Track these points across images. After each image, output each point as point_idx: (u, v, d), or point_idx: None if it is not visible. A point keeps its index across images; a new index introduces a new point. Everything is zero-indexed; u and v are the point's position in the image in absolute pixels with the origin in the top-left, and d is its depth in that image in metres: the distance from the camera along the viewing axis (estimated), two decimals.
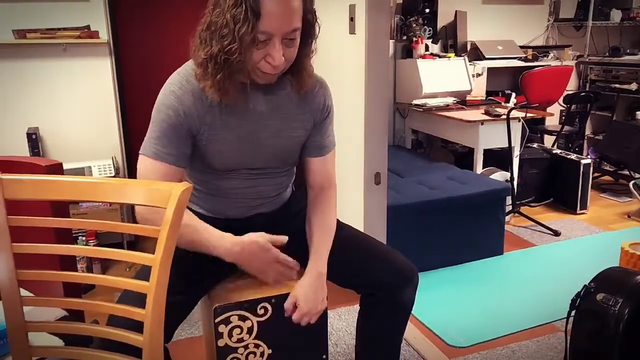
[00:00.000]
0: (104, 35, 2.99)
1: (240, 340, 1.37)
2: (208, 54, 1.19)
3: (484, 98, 4.10)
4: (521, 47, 4.53)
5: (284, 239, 1.33)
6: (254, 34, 1.14)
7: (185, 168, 1.32)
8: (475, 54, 4.29)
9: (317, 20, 1.27)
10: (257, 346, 1.39)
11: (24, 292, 1.09)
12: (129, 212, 3.10)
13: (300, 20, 1.21)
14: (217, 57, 1.17)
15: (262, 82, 1.28)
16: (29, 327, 1.08)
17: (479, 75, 4.17)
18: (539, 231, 3.45)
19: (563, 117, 4.38)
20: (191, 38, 1.26)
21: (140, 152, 1.29)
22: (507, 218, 3.38)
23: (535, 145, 4.15)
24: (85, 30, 2.93)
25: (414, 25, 4.02)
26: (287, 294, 1.38)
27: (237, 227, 1.44)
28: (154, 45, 3.32)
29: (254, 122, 1.33)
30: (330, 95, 1.46)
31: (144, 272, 1.15)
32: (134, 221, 1.25)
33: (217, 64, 1.18)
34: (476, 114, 3.53)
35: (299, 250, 1.48)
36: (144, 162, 1.28)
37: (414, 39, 4.01)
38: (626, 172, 4.29)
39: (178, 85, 1.26)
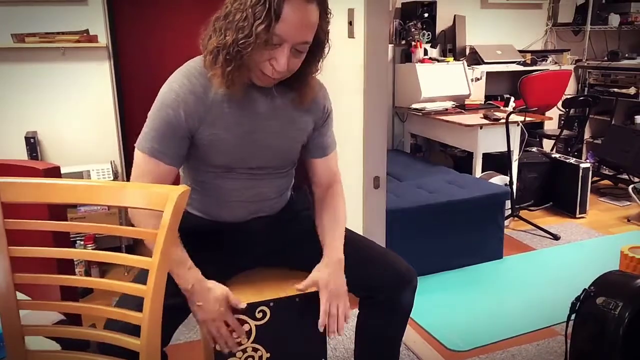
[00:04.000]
0: (103, 39, 2.99)
1: (238, 344, 1.36)
2: (221, 43, 1.19)
3: (482, 102, 4.11)
4: (520, 51, 4.54)
5: (241, 305, 1.29)
6: (269, 35, 1.15)
7: (178, 168, 1.32)
8: (474, 59, 4.30)
9: (329, 41, 1.29)
10: (255, 350, 1.38)
11: (20, 296, 1.09)
12: (127, 216, 3.08)
13: (312, 35, 1.23)
14: (230, 48, 1.18)
15: (259, 85, 1.29)
16: (25, 331, 1.07)
17: (477, 79, 4.17)
18: (538, 235, 3.44)
19: (562, 121, 4.38)
20: (203, 27, 1.27)
21: (135, 145, 1.29)
22: (506, 222, 3.37)
23: (534, 149, 4.15)
24: (84, 34, 2.93)
25: (413, 29, 4.02)
26: (286, 298, 1.38)
27: (234, 231, 1.44)
28: (153, 49, 3.32)
29: (255, 122, 1.33)
30: (329, 96, 1.47)
31: (142, 276, 1.14)
32: (132, 225, 1.25)
33: (229, 54, 1.19)
34: (475, 118, 3.53)
35: (295, 255, 1.48)
36: (138, 158, 1.29)
37: (413, 43, 4.02)
38: (625, 176, 4.29)
39: (179, 83, 1.26)
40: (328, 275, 1.35)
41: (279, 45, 1.19)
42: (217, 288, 1.28)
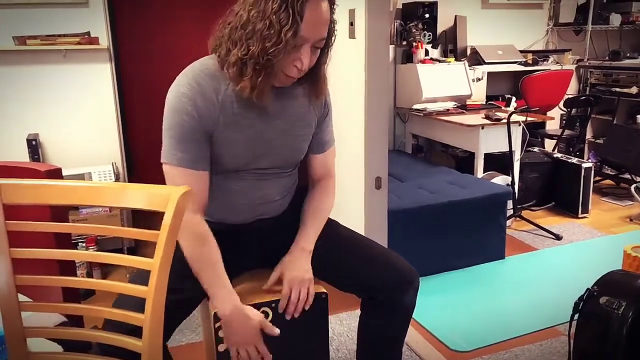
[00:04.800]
0: (104, 41, 2.99)
1: None
2: (246, 54, 1.19)
3: (484, 102, 4.10)
4: (521, 51, 4.54)
5: (275, 331, 1.31)
6: (297, 39, 1.17)
7: (207, 171, 1.31)
8: (475, 59, 4.30)
9: (335, 30, 1.31)
10: (257, 351, 1.38)
11: (22, 298, 1.08)
12: (128, 218, 3.09)
13: (327, 30, 1.25)
14: (259, 57, 1.18)
15: (278, 85, 1.30)
16: (27, 333, 1.07)
17: (479, 79, 4.17)
18: (540, 235, 3.44)
19: (563, 121, 4.38)
20: (212, 35, 1.27)
21: (162, 160, 1.28)
22: (508, 222, 3.37)
23: (536, 149, 4.14)
24: (85, 36, 2.94)
25: (414, 30, 4.02)
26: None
27: (238, 232, 1.43)
28: (154, 50, 3.32)
29: (264, 121, 1.33)
30: (329, 91, 1.47)
31: (138, 277, 1.14)
32: (134, 226, 1.25)
33: (259, 64, 1.19)
34: (476, 118, 3.53)
35: None
36: (168, 171, 1.28)
37: (414, 44, 4.02)
38: (627, 176, 4.28)
39: (188, 87, 1.25)
40: (289, 263, 1.39)
41: (300, 47, 1.21)
42: (254, 315, 1.30)
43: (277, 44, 1.16)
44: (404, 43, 4.11)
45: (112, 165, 3.09)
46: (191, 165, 1.27)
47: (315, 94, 1.38)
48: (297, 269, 1.38)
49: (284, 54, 1.18)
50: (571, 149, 4.40)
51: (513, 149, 3.40)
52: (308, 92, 1.38)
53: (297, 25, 1.16)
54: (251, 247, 1.47)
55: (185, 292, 1.29)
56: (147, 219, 1.71)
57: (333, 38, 1.32)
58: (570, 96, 4.17)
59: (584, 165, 3.65)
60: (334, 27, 1.30)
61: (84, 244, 2.85)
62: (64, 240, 1.78)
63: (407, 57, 4.10)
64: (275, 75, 1.25)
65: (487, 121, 3.43)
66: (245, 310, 1.29)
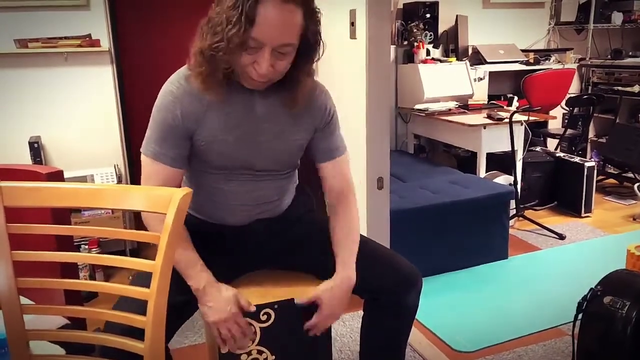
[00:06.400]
0: (105, 43, 3.00)
1: (246, 344, 1.35)
2: (199, 46, 1.21)
3: (486, 102, 4.09)
4: (523, 50, 4.53)
5: (251, 307, 1.32)
6: (244, 39, 1.14)
7: (182, 169, 1.33)
8: (477, 58, 4.29)
9: (321, 41, 1.26)
10: (260, 352, 1.38)
11: (24, 300, 1.08)
12: (131, 220, 3.09)
13: (296, 37, 1.20)
14: (206, 51, 1.19)
15: (250, 87, 1.28)
16: (29, 336, 1.07)
17: (480, 79, 4.16)
18: (543, 235, 3.43)
19: (566, 120, 4.37)
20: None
21: (141, 150, 1.32)
22: (511, 222, 3.36)
23: (538, 148, 4.14)
24: (87, 38, 2.94)
25: (415, 30, 4.01)
26: (290, 300, 1.37)
27: (237, 233, 1.43)
28: (155, 52, 3.32)
29: (254, 124, 1.32)
30: (331, 99, 1.44)
31: (140, 278, 1.14)
32: (136, 228, 1.25)
33: (204, 57, 1.20)
34: (478, 118, 3.52)
35: (299, 256, 1.47)
36: (144, 162, 1.32)
37: (415, 43, 4.01)
38: (630, 175, 4.27)
39: (176, 85, 1.27)
40: (331, 296, 1.36)
41: (259, 49, 1.17)
42: (227, 289, 1.30)
43: (220, 41, 1.16)
44: (405, 43, 4.10)
45: (114, 167, 3.09)
46: (164, 161, 1.29)
47: (291, 103, 1.32)
48: (337, 306, 1.37)
49: (227, 52, 1.16)
50: (573, 148, 4.39)
51: (515, 149, 3.40)
52: (287, 98, 1.32)
53: (243, 25, 1.12)
54: (251, 249, 1.47)
55: (186, 294, 1.29)
56: None
57: (321, 50, 1.27)
58: (573, 95, 4.17)
59: (587, 164, 3.64)
60: (315, 37, 1.24)
61: (86, 246, 2.85)
62: (66, 243, 1.78)
63: (409, 57, 4.09)
64: (234, 74, 1.23)
65: (489, 121, 3.43)
66: (219, 284, 1.30)
